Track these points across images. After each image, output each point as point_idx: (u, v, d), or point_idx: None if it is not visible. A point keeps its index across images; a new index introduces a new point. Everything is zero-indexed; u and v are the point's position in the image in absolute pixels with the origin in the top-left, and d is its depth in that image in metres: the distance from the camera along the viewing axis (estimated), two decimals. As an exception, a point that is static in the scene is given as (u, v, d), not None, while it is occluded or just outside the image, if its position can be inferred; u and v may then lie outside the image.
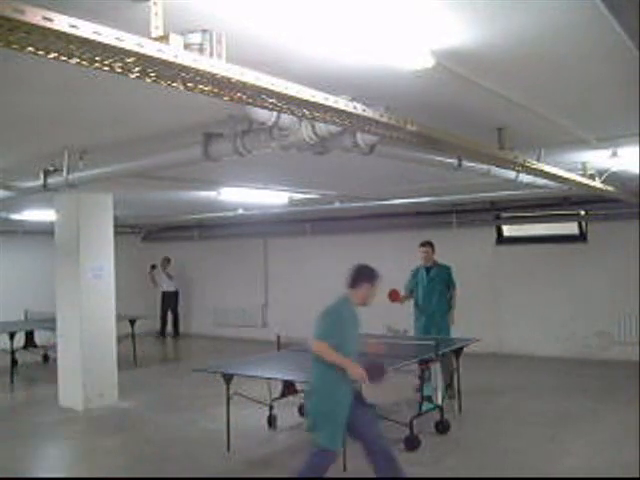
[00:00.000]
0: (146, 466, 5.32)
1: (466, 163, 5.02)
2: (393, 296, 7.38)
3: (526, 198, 8.65)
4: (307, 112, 2.60)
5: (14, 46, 1.61)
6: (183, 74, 2.00)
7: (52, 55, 1.72)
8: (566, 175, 5.44)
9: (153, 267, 13.97)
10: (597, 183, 6.41)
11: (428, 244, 7.87)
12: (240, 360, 7.04)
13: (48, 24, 1.53)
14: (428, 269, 7.78)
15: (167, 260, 13.84)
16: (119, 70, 1.90)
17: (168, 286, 13.74)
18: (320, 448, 4.08)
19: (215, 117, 3.89)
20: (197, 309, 13.90)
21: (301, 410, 6.83)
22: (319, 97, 2.48)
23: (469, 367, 7.90)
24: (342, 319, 4.10)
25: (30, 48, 1.65)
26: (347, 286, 4.24)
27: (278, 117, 3.34)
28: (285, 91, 2.29)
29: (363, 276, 4.24)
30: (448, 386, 7.22)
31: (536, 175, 5.33)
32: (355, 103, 2.73)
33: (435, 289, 7.71)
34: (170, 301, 13.76)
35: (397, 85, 3.37)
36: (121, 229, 12.31)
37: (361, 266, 4.34)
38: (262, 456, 5.73)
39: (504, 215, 10.60)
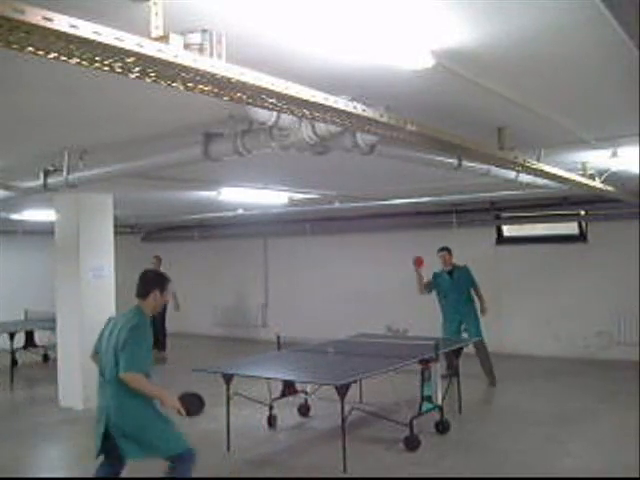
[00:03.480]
0: (146, 466, 5.31)
1: (466, 163, 5.02)
2: (418, 263, 7.96)
3: (526, 198, 8.65)
4: (307, 112, 2.59)
5: (14, 46, 1.61)
6: (183, 74, 1.99)
7: (52, 55, 1.72)
8: (566, 175, 5.44)
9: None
10: (597, 183, 6.41)
11: (445, 249, 8.26)
12: (240, 360, 7.04)
13: (48, 24, 1.53)
14: (450, 272, 8.18)
15: (158, 259, 11.63)
16: (119, 70, 1.90)
17: None
18: (176, 457, 3.76)
19: (215, 117, 3.89)
20: (197, 309, 13.89)
21: (301, 410, 6.84)
22: (319, 97, 2.48)
23: (469, 367, 7.92)
24: (145, 337, 3.75)
25: (30, 48, 1.65)
26: (136, 296, 3.92)
27: (278, 117, 3.34)
28: (285, 91, 2.29)
29: (152, 284, 3.93)
30: (488, 374, 7.96)
31: (536, 175, 5.33)
32: (355, 103, 2.73)
33: (462, 291, 8.14)
34: None
35: (397, 85, 3.37)
36: (121, 229, 12.31)
37: (148, 273, 4.09)
38: (262, 456, 5.73)
39: (504, 215, 10.59)
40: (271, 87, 2.23)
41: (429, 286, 8.26)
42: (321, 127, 3.41)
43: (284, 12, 2.37)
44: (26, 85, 3.23)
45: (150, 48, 1.81)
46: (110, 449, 3.83)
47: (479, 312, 8.13)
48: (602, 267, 9.70)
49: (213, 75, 2.03)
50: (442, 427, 6.03)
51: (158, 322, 11.11)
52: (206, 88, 2.15)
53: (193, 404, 3.76)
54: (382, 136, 3.27)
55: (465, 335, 8.04)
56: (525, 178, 5.83)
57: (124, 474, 4.05)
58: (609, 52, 2.96)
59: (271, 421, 6.47)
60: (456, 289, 8.14)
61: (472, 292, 8.18)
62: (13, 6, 1.45)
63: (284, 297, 12.90)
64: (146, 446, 3.75)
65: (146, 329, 3.78)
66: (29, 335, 10.69)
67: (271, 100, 2.36)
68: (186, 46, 2.00)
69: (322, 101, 2.49)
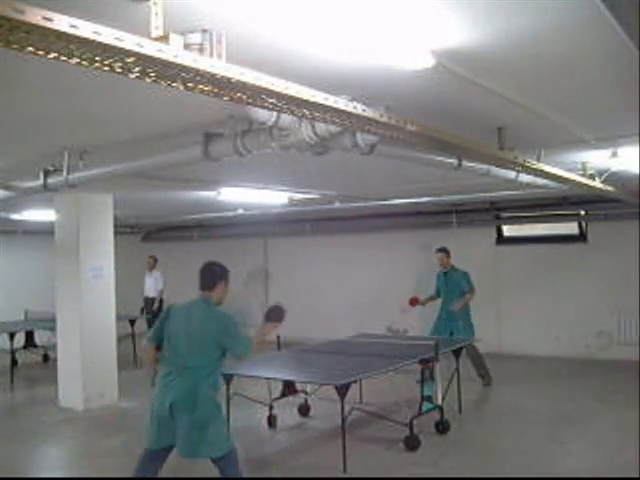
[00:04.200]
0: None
1: (466, 163, 5.02)
2: (413, 302, 8.02)
3: (526, 198, 8.65)
4: (307, 112, 2.59)
5: (14, 46, 1.61)
6: (183, 74, 1.99)
7: (52, 55, 1.72)
8: (566, 175, 5.44)
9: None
10: (597, 183, 6.41)
11: (442, 250, 8.24)
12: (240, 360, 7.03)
13: (48, 24, 1.53)
14: (445, 274, 8.20)
15: (154, 259, 11.85)
16: (119, 70, 1.90)
17: (148, 290, 11.65)
18: (224, 455, 3.85)
19: (215, 117, 3.89)
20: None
21: (301, 410, 6.84)
22: (319, 97, 2.48)
23: (469, 367, 7.92)
24: (235, 318, 3.93)
25: (30, 48, 1.64)
26: (203, 289, 3.97)
27: (278, 117, 3.34)
28: (285, 91, 2.29)
29: (219, 276, 4.01)
30: (480, 375, 7.92)
31: (536, 175, 5.33)
32: (355, 103, 2.73)
33: (453, 293, 8.08)
34: (146, 309, 11.37)
35: (397, 85, 3.37)
36: (121, 229, 12.31)
37: (214, 266, 4.07)
38: (262, 456, 5.73)
39: (504, 215, 10.59)
40: (271, 87, 2.22)
41: (435, 295, 8.29)
42: (321, 127, 3.41)
43: (284, 12, 2.37)
44: (26, 85, 3.23)
45: (150, 48, 1.81)
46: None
47: (471, 315, 8.01)
48: (602, 267, 9.70)
49: (213, 75, 2.03)
50: (442, 427, 6.03)
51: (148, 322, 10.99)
52: (206, 88, 2.15)
53: (277, 314, 4.04)
54: (382, 136, 3.27)
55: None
56: (525, 178, 5.83)
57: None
58: (609, 52, 2.95)
59: (271, 421, 6.47)
60: (447, 291, 8.10)
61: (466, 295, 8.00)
62: (13, 6, 1.44)
63: (284, 297, 12.85)
64: (202, 443, 3.79)
65: (230, 316, 3.90)
66: (29, 335, 10.69)
67: (271, 100, 2.36)
68: (186, 46, 2.00)
69: (322, 101, 2.49)
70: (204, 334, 3.82)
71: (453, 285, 8.08)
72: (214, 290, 3.97)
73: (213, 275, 4.01)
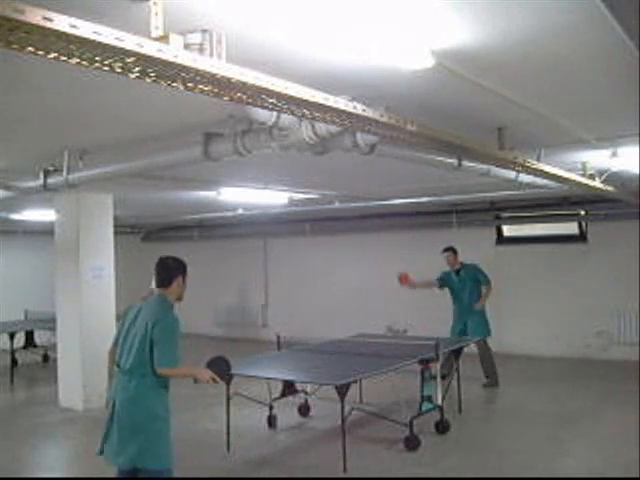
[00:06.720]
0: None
1: (466, 163, 5.02)
2: (403, 280, 8.04)
3: (526, 198, 8.65)
4: (307, 112, 2.59)
5: (14, 46, 1.61)
6: (183, 74, 1.99)
7: (52, 55, 1.72)
8: (566, 175, 5.44)
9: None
10: (597, 183, 6.41)
11: (449, 250, 8.28)
12: (240, 360, 7.04)
13: (48, 24, 1.53)
14: (457, 272, 8.24)
15: None
16: (119, 70, 1.90)
17: None
18: (150, 470, 3.51)
19: (215, 117, 3.90)
20: (197, 309, 13.88)
21: (301, 410, 6.84)
22: (319, 97, 2.48)
23: (469, 367, 7.92)
24: (173, 328, 3.54)
25: (30, 48, 1.65)
26: (158, 286, 3.68)
27: (278, 117, 3.34)
28: (285, 91, 2.29)
29: (175, 270, 3.69)
30: (491, 375, 7.94)
31: (536, 175, 5.33)
32: (355, 103, 2.73)
33: (466, 288, 8.16)
34: None
35: (397, 85, 3.37)
36: (121, 229, 12.31)
37: (168, 260, 3.75)
38: (262, 456, 5.73)
39: (504, 215, 10.59)
40: (271, 87, 2.22)
41: (436, 283, 8.28)
42: (321, 127, 3.41)
43: (284, 12, 2.37)
44: (26, 85, 3.23)
45: (150, 48, 1.81)
46: None
47: (486, 311, 8.10)
48: (602, 267, 9.69)
49: (213, 75, 2.03)
50: (442, 427, 6.03)
51: None
52: (206, 88, 2.15)
53: (222, 368, 3.69)
54: (382, 136, 3.27)
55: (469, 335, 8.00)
56: (525, 178, 5.84)
57: None
58: (609, 52, 2.96)
59: (271, 421, 6.47)
60: (463, 288, 8.15)
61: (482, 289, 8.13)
62: (13, 6, 1.45)
63: (284, 297, 12.90)
64: (136, 450, 3.49)
65: (174, 320, 3.57)
66: (29, 335, 10.69)
67: (271, 100, 2.36)
68: (186, 46, 2.00)
69: (322, 101, 2.49)
70: (143, 333, 3.52)
71: (467, 282, 8.12)
72: (170, 287, 3.66)
73: (168, 271, 3.70)
